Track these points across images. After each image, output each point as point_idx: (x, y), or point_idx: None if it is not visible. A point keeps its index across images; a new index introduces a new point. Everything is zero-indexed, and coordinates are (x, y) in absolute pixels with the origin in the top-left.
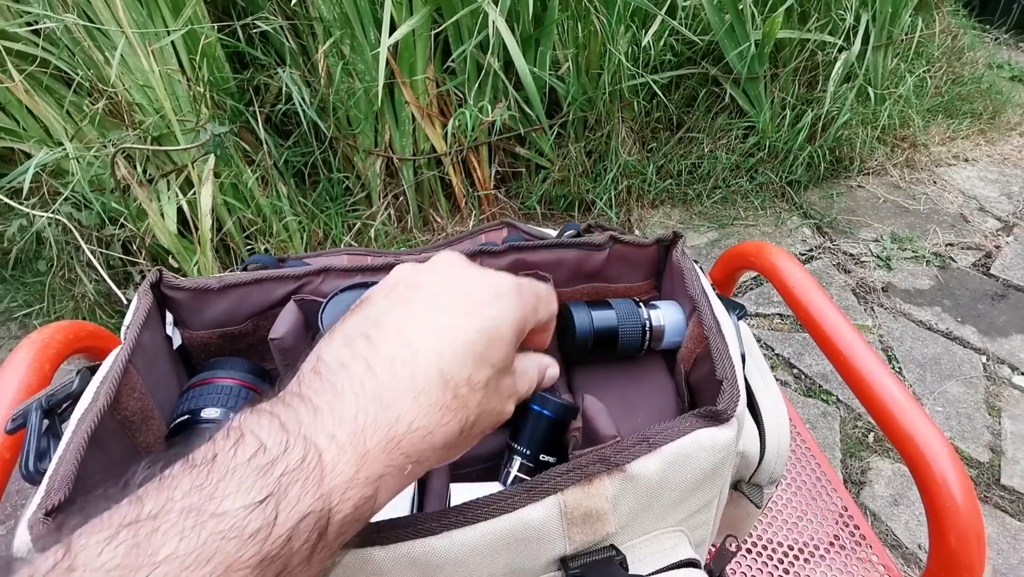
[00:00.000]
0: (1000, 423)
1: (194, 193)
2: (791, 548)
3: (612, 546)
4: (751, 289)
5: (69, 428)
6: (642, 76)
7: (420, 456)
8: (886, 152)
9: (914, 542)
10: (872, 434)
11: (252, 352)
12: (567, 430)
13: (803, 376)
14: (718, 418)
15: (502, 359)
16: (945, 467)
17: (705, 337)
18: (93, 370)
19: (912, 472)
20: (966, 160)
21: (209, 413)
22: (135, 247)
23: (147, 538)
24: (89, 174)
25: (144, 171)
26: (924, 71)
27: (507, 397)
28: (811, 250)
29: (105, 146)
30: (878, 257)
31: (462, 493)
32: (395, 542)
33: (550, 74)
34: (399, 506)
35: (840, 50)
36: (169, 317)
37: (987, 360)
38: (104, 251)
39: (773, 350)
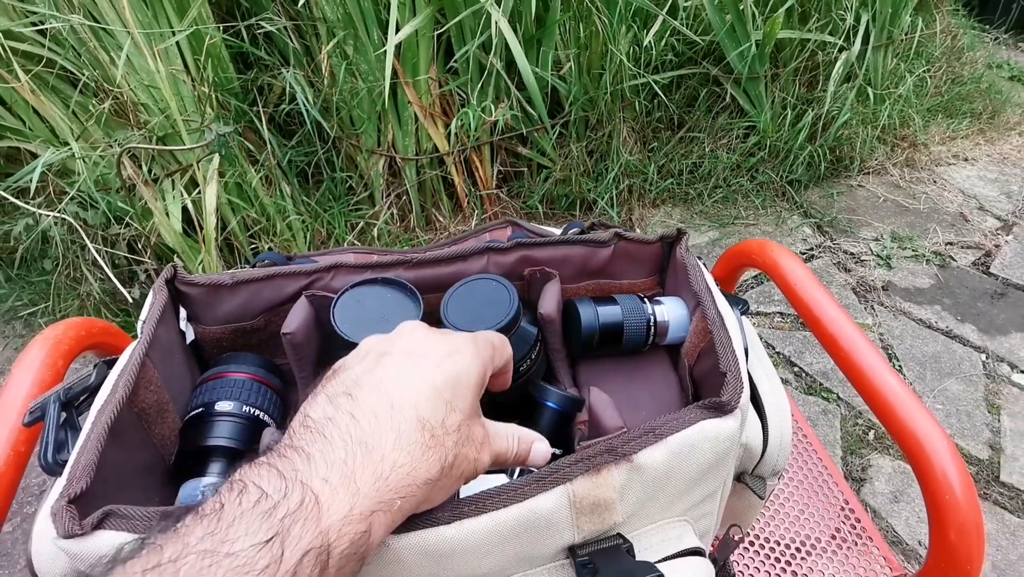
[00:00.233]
0: (999, 420)
1: (199, 192)
2: (792, 542)
3: (619, 535)
4: (752, 288)
5: (89, 419)
6: (643, 76)
7: (406, 492)
8: (886, 151)
9: (914, 538)
10: (872, 431)
11: (263, 347)
12: (572, 422)
13: (804, 374)
14: (722, 409)
15: (469, 405)
16: (945, 461)
17: (709, 331)
18: (109, 364)
19: (913, 467)
20: (966, 159)
21: (223, 406)
22: (140, 246)
23: None
24: (95, 174)
25: (149, 170)
26: (924, 71)
27: (480, 445)
28: (811, 249)
29: (111, 146)
30: (878, 256)
31: (471, 485)
32: (410, 531)
33: (552, 74)
34: None
35: (840, 50)
36: (183, 312)
37: (987, 358)
38: (109, 250)
39: (774, 348)
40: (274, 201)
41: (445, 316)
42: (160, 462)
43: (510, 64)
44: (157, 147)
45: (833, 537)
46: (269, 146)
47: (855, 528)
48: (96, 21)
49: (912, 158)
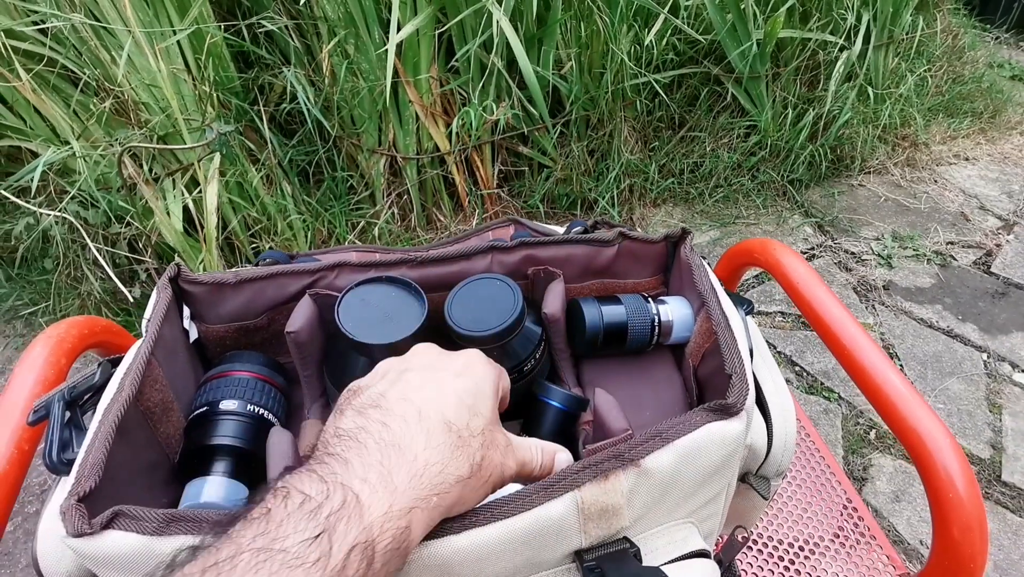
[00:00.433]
0: (1001, 420)
1: (199, 192)
2: (795, 541)
3: (626, 539)
4: (753, 287)
5: (95, 417)
6: (644, 75)
7: (440, 489)
8: (887, 151)
9: (916, 538)
10: (874, 431)
11: (267, 346)
12: (577, 422)
13: (805, 373)
14: (728, 412)
15: (489, 411)
16: (948, 459)
17: (713, 332)
18: (114, 363)
19: (916, 464)
20: (967, 159)
21: (227, 405)
22: (141, 245)
23: (228, 574)
24: (96, 173)
25: (150, 170)
26: (925, 70)
27: (504, 451)
28: (812, 248)
29: (112, 145)
30: (879, 255)
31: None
32: (420, 542)
33: (553, 73)
34: None
35: (841, 49)
36: (186, 311)
37: (988, 357)
38: (110, 249)
39: (775, 348)
40: (275, 200)
41: (449, 315)
42: (165, 461)
43: (511, 63)
44: (158, 146)
45: (836, 536)
46: (270, 145)
47: (858, 527)
48: (97, 20)
49: (913, 157)
